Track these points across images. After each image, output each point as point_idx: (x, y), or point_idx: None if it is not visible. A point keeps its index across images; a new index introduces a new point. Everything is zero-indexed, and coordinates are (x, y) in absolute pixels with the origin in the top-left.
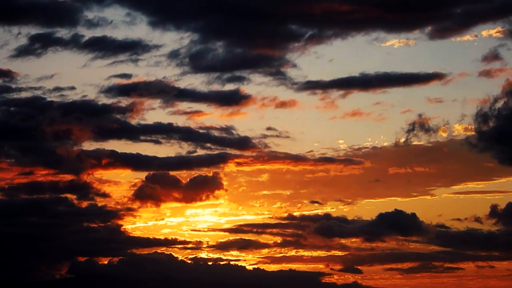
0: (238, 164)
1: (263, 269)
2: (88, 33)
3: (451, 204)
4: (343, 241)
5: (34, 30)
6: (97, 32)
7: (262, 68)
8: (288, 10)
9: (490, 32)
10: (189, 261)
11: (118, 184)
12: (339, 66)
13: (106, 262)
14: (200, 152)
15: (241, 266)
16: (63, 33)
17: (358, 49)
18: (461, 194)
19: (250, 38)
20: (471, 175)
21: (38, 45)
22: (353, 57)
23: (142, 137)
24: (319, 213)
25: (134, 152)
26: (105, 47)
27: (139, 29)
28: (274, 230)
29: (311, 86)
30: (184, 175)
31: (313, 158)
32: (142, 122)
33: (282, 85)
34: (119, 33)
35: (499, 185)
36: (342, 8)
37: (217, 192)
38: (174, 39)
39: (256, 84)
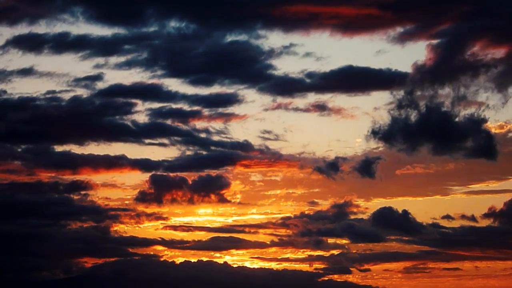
0: (246, 166)
1: (261, 268)
2: (72, 33)
3: (462, 203)
4: (340, 240)
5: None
6: (80, 31)
7: (246, 70)
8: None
9: None
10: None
11: (120, 185)
12: (325, 66)
13: (106, 263)
14: (203, 154)
15: (232, 264)
16: (46, 33)
17: (347, 48)
18: (473, 194)
19: (232, 40)
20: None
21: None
22: (341, 56)
23: (144, 140)
24: (321, 213)
25: (137, 154)
26: (89, 47)
27: (121, 29)
28: (271, 230)
29: (297, 88)
30: (189, 177)
31: (317, 160)
32: (137, 124)
33: (266, 87)
34: (101, 32)
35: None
36: (324, 9)
37: (221, 192)
38: (156, 40)
39: (241, 88)
